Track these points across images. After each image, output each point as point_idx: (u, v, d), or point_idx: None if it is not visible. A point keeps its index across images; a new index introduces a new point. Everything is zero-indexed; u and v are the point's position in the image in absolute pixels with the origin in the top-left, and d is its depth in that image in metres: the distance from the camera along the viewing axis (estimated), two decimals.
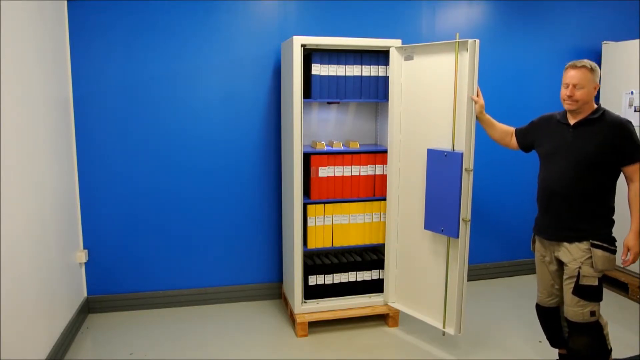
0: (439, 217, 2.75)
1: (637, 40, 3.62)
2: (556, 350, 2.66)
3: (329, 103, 3.36)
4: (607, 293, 3.74)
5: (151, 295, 3.43)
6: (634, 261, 2.26)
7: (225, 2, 3.30)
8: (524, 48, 3.86)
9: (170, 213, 3.40)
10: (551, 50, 3.93)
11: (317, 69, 2.98)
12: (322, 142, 3.19)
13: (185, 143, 3.36)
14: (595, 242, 2.25)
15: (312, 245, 3.13)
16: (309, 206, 3.09)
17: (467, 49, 2.54)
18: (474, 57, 2.56)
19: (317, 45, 2.90)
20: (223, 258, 3.53)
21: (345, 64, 3.03)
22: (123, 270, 3.38)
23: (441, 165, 2.71)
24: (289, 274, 3.27)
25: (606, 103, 3.85)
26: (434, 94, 2.77)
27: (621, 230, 2.32)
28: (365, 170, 3.14)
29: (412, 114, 2.93)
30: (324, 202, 3.12)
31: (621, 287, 3.73)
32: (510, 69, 3.85)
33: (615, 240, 2.29)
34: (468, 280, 3.94)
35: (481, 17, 3.77)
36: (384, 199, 3.14)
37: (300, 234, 3.04)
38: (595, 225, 2.27)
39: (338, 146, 3.17)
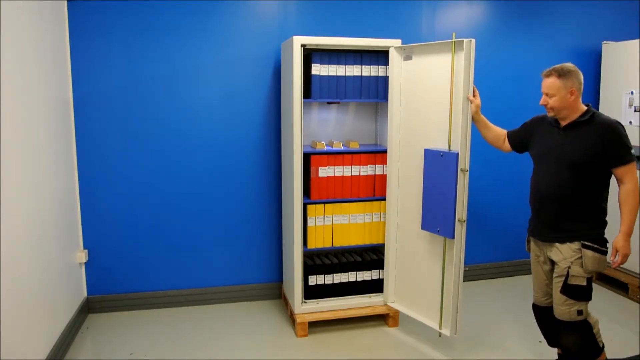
0: (435, 217, 2.74)
1: (637, 40, 3.62)
2: (555, 350, 2.67)
3: (329, 103, 3.37)
4: (607, 293, 3.77)
5: (151, 295, 3.44)
6: (622, 262, 2.27)
7: (225, 2, 3.30)
8: (524, 48, 3.86)
9: (170, 213, 3.40)
10: (551, 50, 3.93)
11: (317, 69, 2.98)
12: (322, 142, 3.19)
13: (185, 143, 3.36)
14: (586, 243, 2.26)
15: (312, 245, 3.13)
16: (309, 206, 3.09)
17: (463, 49, 2.54)
18: (469, 57, 2.55)
19: (317, 45, 2.90)
20: (223, 258, 3.53)
21: (345, 64, 3.03)
22: (123, 270, 3.38)
23: (437, 165, 2.70)
24: (289, 274, 3.27)
25: (606, 103, 3.86)
26: (432, 94, 2.76)
27: (614, 231, 2.32)
28: (365, 170, 3.14)
29: (411, 114, 2.92)
30: (324, 202, 3.12)
31: (621, 287, 3.73)
32: (510, 69, 3.84)
33: (607, 242, 2.30)
34: (467, 281, 3.98)
35: (481, 17, 3.77)
36: (384, 199, 3.14)
37: (300, 234, 3.04)
38: (587, 226, 2.28)
39: (338, 146, 3.17)
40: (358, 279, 3.24)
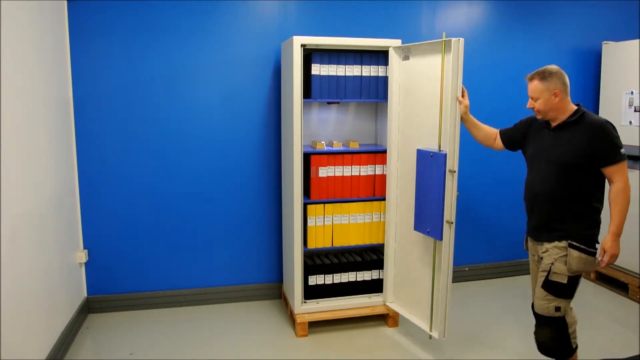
0: (425, 218, 2.73)
1: (637, 40, 3.62)
2: None
3: (329, 103, 3.37)
4: (607, 293, 3.77)
5: (151, 295, 3.44)
6: (609, 263, 2.26)
7: (225, 2, 3.30)
8: (524, 48, 3.86)
9: (170, 213, 3.40)
10: (551, 50, 3.92)
11: (317, 69, 2.98)
12: (322, 142, 3.19)
13: (185, 143, 3.36)
14: (574, 243, 2.26)
15: (312, 245, 3.13)
16: (309, 206, 3.09)
17: (451, 49, 2.52)
18: (457, 57, 2.52)
19: (317, 45, 2.90)
20: (223, 258, 3.53)
21: (345, 64, 3.03)
22: (123, 270, 3.38)
23: (428, 166, 2.69)
24: (289, 274, 3.27)
25: (606, 103, 3.86)
26: (426, 94, 2.76)
27: (607, 231, 2.31)
28: (365, 170, 3.14)
29: (408, 114, 2.93)
30: (324, 202, 3.12)
31: (621, 287, 3.73)
32: (510, 69, 3.84)
33: (597, 243, 2.29)
34: (467, 281, 3.98)
35: (481, 17, 3.77)
36: (384, 199, 3.14)
37: (300, 234, 3.04)
38: (578, 227, 2.27)
39: (338, 146, 3.17)
40: (358, 279, 3.24)
